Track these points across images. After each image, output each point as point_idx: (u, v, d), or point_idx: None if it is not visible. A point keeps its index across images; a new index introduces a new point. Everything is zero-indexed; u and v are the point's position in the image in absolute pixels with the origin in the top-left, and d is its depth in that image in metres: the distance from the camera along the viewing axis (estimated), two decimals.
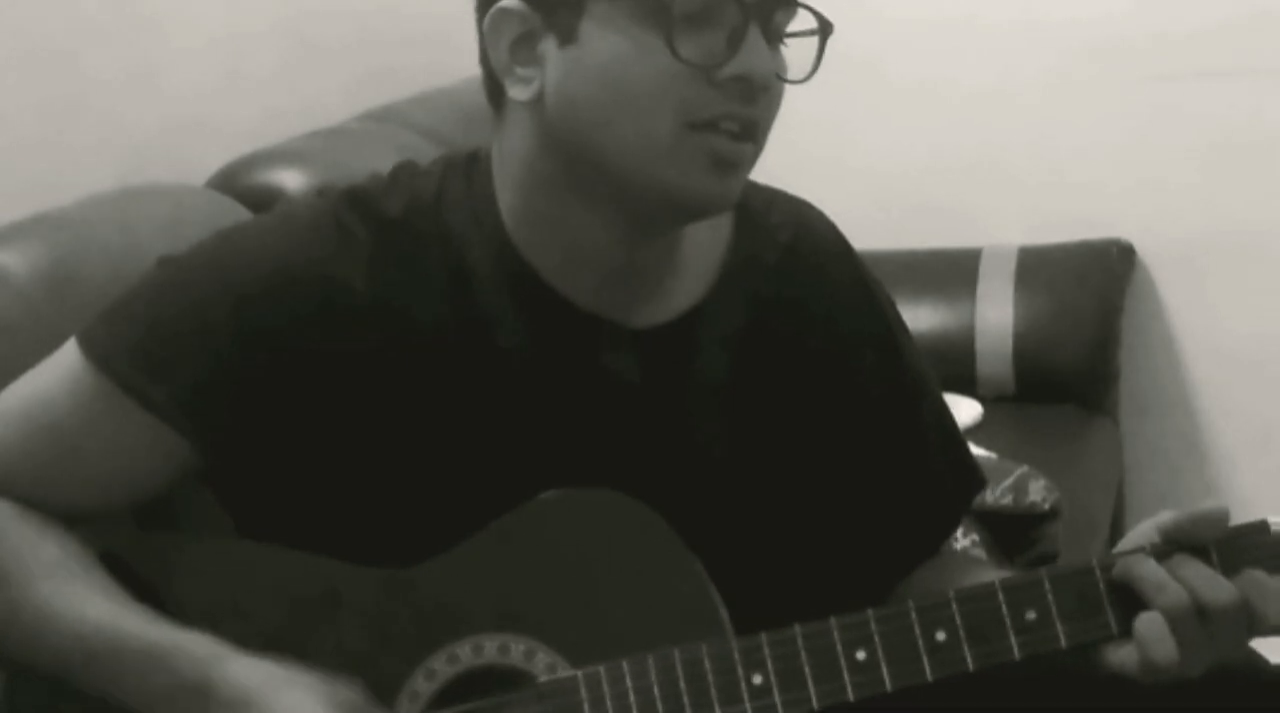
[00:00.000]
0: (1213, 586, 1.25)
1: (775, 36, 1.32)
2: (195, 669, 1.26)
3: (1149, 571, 1.26)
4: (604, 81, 1.29)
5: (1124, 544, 1.31)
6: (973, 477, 1.55)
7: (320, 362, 1.34)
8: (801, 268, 1.46)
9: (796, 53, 1.34)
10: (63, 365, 1.36)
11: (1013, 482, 2.34)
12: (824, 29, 1.34)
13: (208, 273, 1.37)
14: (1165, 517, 1.30)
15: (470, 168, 1.40)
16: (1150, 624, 1.25)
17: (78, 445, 1.35)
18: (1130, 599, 1.27)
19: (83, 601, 1.30)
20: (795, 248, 1.46)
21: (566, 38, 1.29)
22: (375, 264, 1.36)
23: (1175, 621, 1.25)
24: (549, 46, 1.30)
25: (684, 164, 1.29)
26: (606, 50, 1.28)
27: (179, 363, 1.34)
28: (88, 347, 1.35)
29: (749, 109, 1.29)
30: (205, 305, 1.34)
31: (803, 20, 1.34)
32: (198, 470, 1.37)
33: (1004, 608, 1.27)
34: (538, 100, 1.32)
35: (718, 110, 1.28)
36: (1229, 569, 1.27)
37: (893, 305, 1.52)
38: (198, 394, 1.34)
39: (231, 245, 1.39)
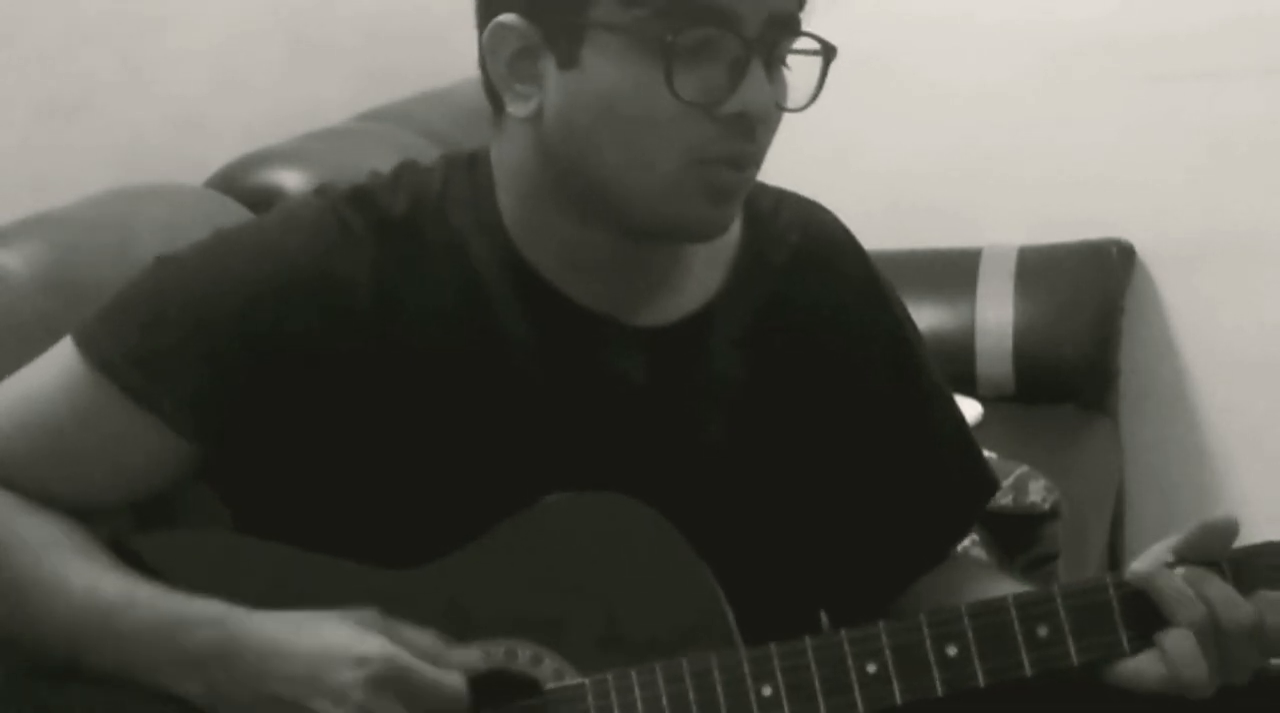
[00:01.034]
0: (1232, 604, 1.24)
1: (778, 61, 1.30)
2: (215, 628, 1.26)
3: (1170, 583, 1.25)
4: (603, 113, 1.27)
5: (1138, 566, 1.29)
6: (985, 481, 1.54)
7: (324, 361, 1.34)
8: (811, 268, 1.45)
9: (798, 71, 1.32)
10: (59, 365, 1.36)
11: (1013, 482, 2.34)
12: (827, 53, 1.33)
13: (209, 273, 1.36)
14: (1176, 537, 1.28)
15: (472, 167, 1.39)
16: (1181, 642, 1.24)
17: (76, 446, 1.34)
18: (1144, 617, 1.26)
19: (92, 573, 1.30)
20: (805, 248, 1.45)
21: (567, 62, 1.28)
22: (379, 264, 1.35)
23: (1199, 637, 1.24)
24: (548, 66, 1.29)
25: (681, 196, 1.29)
26: (606, 81, 1.27)
27: (180, 363, 1.33)
28: (85, 346, 1.35)
29: (749, 145, 1.29)
30: (207, 305, 1.34)
31: (807, 38, 1.32)
32: (198, 469, 1.37)
33: (1016, 624, 1.26)
34: (536, 117, 1.31)
35: (719, 149, 1.27)
36: (1243, 589, 1.26)
37: (903, 306, 1.51)
38: (199, 395, 1.33)
39: (233, 245, 1.38)
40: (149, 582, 1.30)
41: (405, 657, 1.24)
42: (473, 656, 1.28)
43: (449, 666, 1.26)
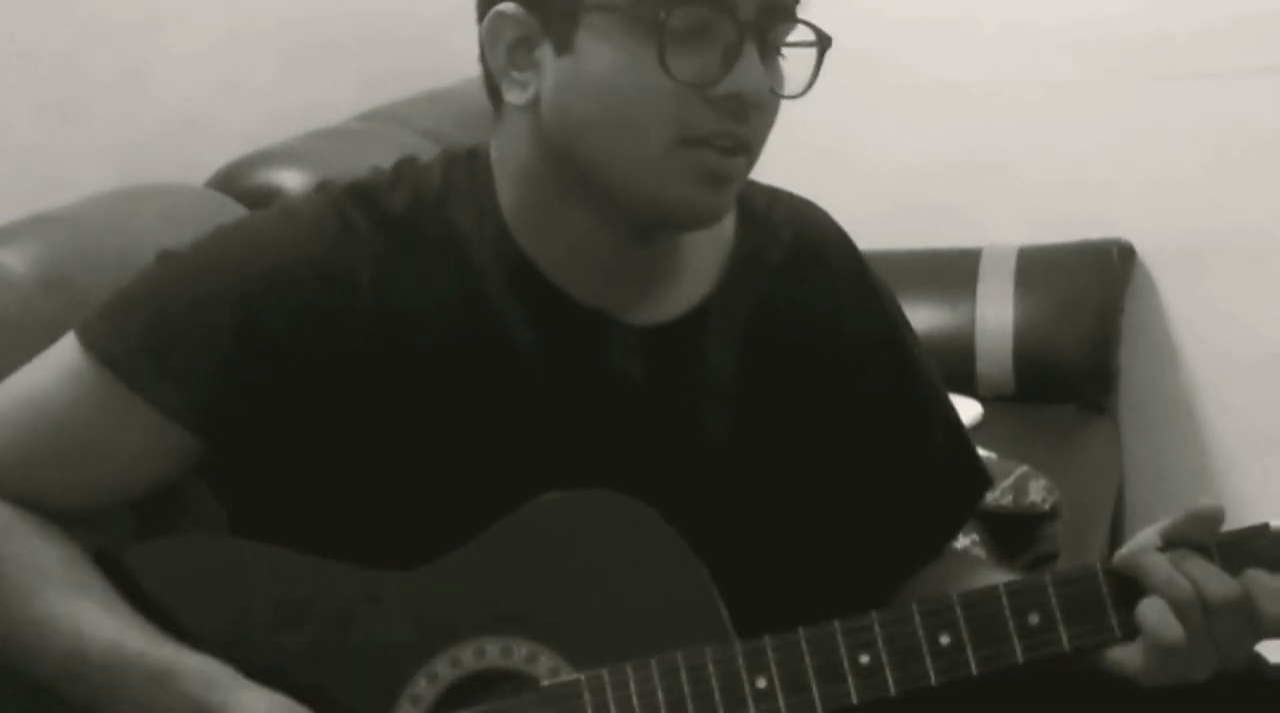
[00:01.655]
0: (1216, 580, 1.25)
1: (772, 49, 1.31)
2: (199, 696, 1.25)
3: (1154, 563, 1.26)
4: (597, 95, 1.28)
5: (1125, 550, 1.30)
6: (979, 478, 1.54)
7: (325, 358, 1.34)
8: (805, 267, 1.45)
9: (795, 62, 1.33)
10: (61, 361, 1.36)
11: (1013, 482, 2.34)
12: (822, 42, 1.33)
13: (212, 268, 1.36)
14: (1164, 522, 1.29)
15: (471, 163, 1.40)
16: (1155, 608, 1.24)
17: (78, 442, 1.34)
18: (1134, 602, 1.26)
19: (84, 614, 1.30)
20: (799, 247, 1.46)
21: (563, 47, 1.29)
22: (380, 260, 1.35)
23: (1180, 611, 1.24)
24: (545, 53, 1.30)
25: (675, 179, 1.29)
26: (601, 63, 1.28)
27: (183, 358, 1.33)
28: (88, 342, 1.35)
29: (741, 127, 1.29)
30: (210, 301, 1.34)
31: (803, 30, 1.33)
32: (197, 465, 1.37)
33: (1007, 612, 1.27)
34: (534, 105, 1.32)
35: (711, 128, 1.28)
36: (1231, 569, 1.26)
37: (897, 305, 1.51)
38: (202, 390, 1.33)
39: (235, 241, 1.39)
40: (140, 627, 1.30)
41: None
42: None
43: None
